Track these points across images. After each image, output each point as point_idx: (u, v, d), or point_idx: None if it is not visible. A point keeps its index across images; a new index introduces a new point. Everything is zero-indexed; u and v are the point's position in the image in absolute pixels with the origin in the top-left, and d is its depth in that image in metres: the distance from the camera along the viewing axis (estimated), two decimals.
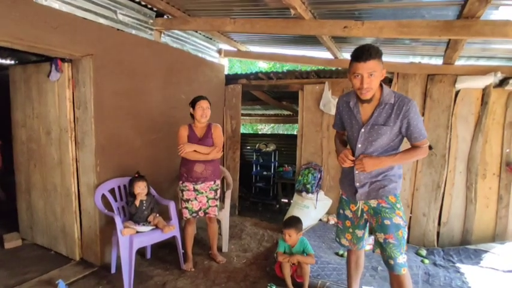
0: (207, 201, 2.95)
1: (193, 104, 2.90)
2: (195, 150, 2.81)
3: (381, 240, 1.92)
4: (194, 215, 2.93)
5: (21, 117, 3.28)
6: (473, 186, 3.54)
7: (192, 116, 2.92)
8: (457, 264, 3.10)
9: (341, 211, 2.17)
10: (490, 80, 3.33)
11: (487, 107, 3.42)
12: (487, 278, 2.81)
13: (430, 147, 1.93)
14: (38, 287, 2.62)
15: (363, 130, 1.88)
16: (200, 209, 2.94)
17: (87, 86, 2.83)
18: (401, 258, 1.88)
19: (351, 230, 2.13)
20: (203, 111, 2.85)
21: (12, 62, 4.48)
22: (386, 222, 1.89)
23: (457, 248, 3.42)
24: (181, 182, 2.91)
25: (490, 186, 3.51)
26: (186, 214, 2.92)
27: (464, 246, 3.47)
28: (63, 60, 2.86)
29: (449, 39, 2.97)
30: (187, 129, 2.88)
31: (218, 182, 3.03)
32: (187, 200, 2.89)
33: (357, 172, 1.94)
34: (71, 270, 2.89)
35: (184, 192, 2.89)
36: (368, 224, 2.11)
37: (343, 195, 2.15)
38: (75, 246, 3.05)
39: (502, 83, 3.36)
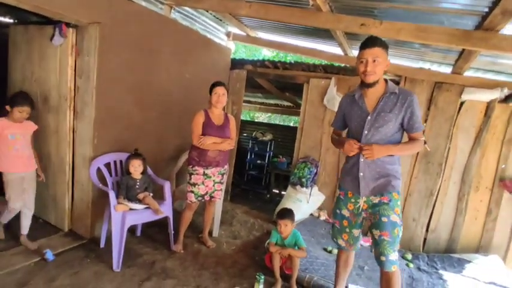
0: (213, 185, 2.94)
1: (210, 89, 2.86)
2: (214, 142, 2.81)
3: (376, 237, 1.96)
4: (200, 198, 2.92)
5: (20, 80, 3.15)
6: (465, 197, 3.60)
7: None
8: (440, 271, 3.18)
9: (338, 211, 2.19)
10: (496, 94, 3.34)
11: (489, 121, 3.45)
12: (468, 287, 2.89)
13: (425, 142, 2.06)
14: (25, 254, 2.59)
15: (369, 117, 1.96)
16: (206, 193, 2.93)
17: (91, 55, 2.73)
18: (393, 255, 1.93)
19: (347, 230, 2.15)
20: (218, 98, 2.81)
21: (11, 20, 4.30)
22: (384, 219, 1.94)
23: (441, 256, 3.51)
24: (191, 166, 2.88)
25: (481, 199, 3.57)
26: (192, 198, 2.89)
27: (449, 254, 3.56)
28: (68, 25, 2.75)
29: (463, 49, 2.95)
30: (203, 115, 2.83)
31: (226, 166, 3.04)
32: (195, 184, 2.87)
33: (362, 160, 1.98)
34: (59, 241, 2.86)
35: (192, 176, 2.86)
36: (363, 223, 2.15)
37: (341, 194, 2.17)
38: (64, 217, 3.01)
39: (507, 98, 3.38)
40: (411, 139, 2.00)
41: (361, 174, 2.00)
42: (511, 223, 3.49)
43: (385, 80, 1.98)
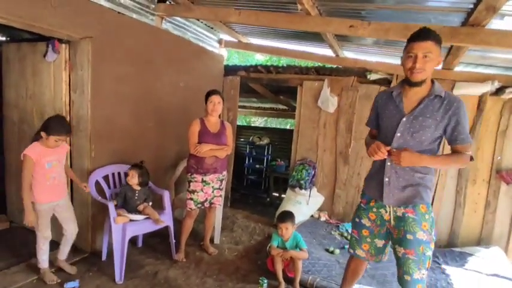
0: (212, 192, 2.95)
1: (206, 98, 2.88)
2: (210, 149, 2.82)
3: (399, 255, 1.77)
4: (199, 205, 2.93)
5: (14, 97, 3.17)
6: (462, 191, 3.63)
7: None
8: (443, 266, 3.18)
9: (357, 219, 1.99)
10: (487, 87, 3.39)
11: (482, 114, 3.49)
12: (471, 281, 2.90)
13: (472, 159, 1.75)
14: (27, 270, 2.58)
15: (404, 119, 1.73)
16: (206, 200, 2.94)
17: (84, 69, 2.75)
18: (418, 273, 1.72)
19: (368, 240, 1.95)
20: (214, 106, 2.83)
21: (3, 38, 4.33)
22: (409, 236, 1.73)
23: (443, 250, 3.52)
24: (189, 173, 2.89)
25: (479, 192, 3.60)
26: (191, 205, 2.90)
27: (450, 248, 3.57)
28: (60, 41, 2.77)
29: (452, 45, 2.99)
30: (199, 123, 2.85)
31: (225, 173, 3.05)
32: (194, 191, 2.88)
33: (389, 164, 1.78)
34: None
35: (191, 184, 2.88)
36: (388, 235, 1.92)
37: (362, 202, 1.99)
38: None
39: (499, 91, 3.43)
40: (454, 152, 1.73)
41: (386, 179, 1.79)
42: (510, 214, 3.51)
43: (432, 81, 1.74)
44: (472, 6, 2.28)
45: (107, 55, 2.85)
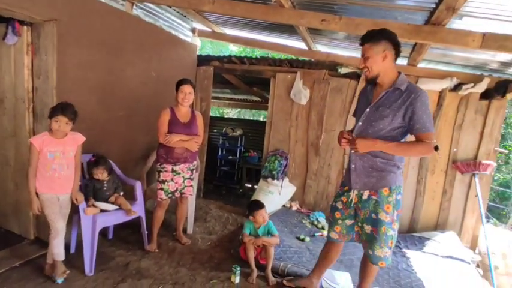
0: (183, 181, 2.94)
1: (176, 87, 2.82)
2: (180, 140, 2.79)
3: (368, 231, 1.97)
4: (170, 195, 2.90)
5: None
6: (423, 180, 3.89)
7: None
8: (404, 250, 3.42)
9: (333, 203, 2.20)
10: (447, 84, 3.63)
11: (442, 109, 3.73)
12: (428, 262, 3.15)
13: (437, 148, 1.82)
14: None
15: (368, 110, 1.94)
16: (176, 189, 2.92)
17: (49, 54, 2.61)
18: (381, 251, 1.92)
19: (340, 222, 2.13)
20: (185, 96, 2.79)
21: None
22: (373, 216, 1.94)
23: (404, 235, 3.76)
24: (159, 163, 2.86)
25: (437, 181, 3.88)
26: (162, 195, 2.87)
27: (411, 233, 3.83)
28: (21, 22, 2.61)
29: (416, 43, 3.16)
30: (169, 113, 2.80)
31: (196, 162, 3.04)
32: (164, 181, 2.85)
33: (352, 152, 1.98)
34: (24, 250, 2.73)
35: (161, 174, 2.84)
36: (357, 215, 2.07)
37: (340, 189, 2.19)
38: (29, 225, 2.87)
39: (456, 87, 3.68)
40: (417, 140, 1.85)
41: (353, 166, 2.00)
42: (463, 202, 3.82)
43: (399, 73, 1.90)
44: (434, 5, 2.42)
45: (74, 40, 2.73)
